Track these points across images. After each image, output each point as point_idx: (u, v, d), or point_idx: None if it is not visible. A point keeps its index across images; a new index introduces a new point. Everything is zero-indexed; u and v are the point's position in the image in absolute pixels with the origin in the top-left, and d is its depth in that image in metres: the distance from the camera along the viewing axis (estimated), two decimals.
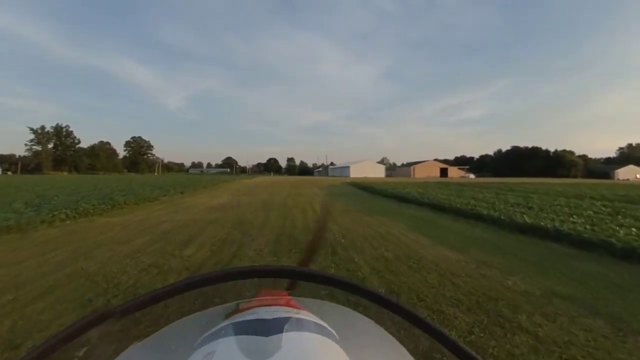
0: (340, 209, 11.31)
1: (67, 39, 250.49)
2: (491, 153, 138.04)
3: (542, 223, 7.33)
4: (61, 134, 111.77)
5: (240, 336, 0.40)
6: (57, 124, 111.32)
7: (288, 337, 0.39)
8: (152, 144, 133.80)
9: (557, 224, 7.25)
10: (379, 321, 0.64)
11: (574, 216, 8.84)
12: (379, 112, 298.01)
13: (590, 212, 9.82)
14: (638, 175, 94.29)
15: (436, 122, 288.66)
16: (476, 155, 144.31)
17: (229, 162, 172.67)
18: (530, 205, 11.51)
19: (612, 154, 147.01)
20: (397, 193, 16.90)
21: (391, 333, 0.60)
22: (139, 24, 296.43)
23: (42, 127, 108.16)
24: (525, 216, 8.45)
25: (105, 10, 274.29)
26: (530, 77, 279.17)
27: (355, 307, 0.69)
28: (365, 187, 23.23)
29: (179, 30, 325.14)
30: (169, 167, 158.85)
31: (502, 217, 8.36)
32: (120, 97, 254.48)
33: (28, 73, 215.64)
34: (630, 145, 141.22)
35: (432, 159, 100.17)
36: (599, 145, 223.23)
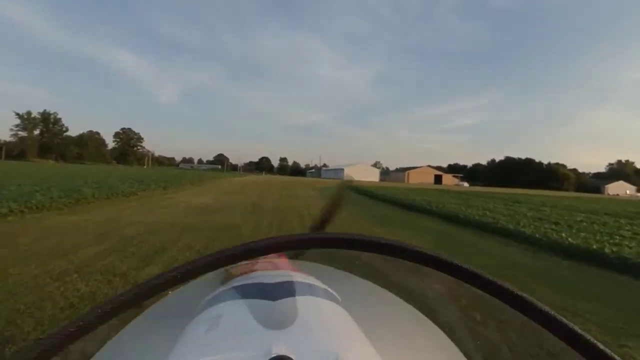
0: (344, 217, 9.93)
1: (59, 23, 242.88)
2: (483, 162, 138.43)
3: (594, 246, 6.06)
4: (48, 121, 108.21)
5: (248, 300, 0.36)
6: (45, 110, 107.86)
7: (299, 302, 0.36)
8: (142, 137, 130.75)
9: (614, 248, 5.98)
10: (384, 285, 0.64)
11: (616, 237, 7.62)
12: (372, 116, 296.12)
13: (626, 233, 8.63)
14: (628, 191, 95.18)
15: (429, 129, 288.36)
16: (468, 164, 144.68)
17: (220, 159, 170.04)
18: (555, 220, 10.30)
19: (601, 169, 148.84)
20: (401, 200, 15.60)
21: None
22: (133, 13, 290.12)
23: (29, 113, 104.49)
24: (565, 235, 7.18)
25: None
26: (522, 90, 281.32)
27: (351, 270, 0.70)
28: (365, 192, 21.88)
29: (174, 22, 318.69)
30: (160, 161, 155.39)
31: (536, 235, 7.08)
32: (112, 88, 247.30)
33: (16, 56, 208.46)
34: (619, 161, 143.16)
35: (425, 165, 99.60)
36: (587, 160, 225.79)
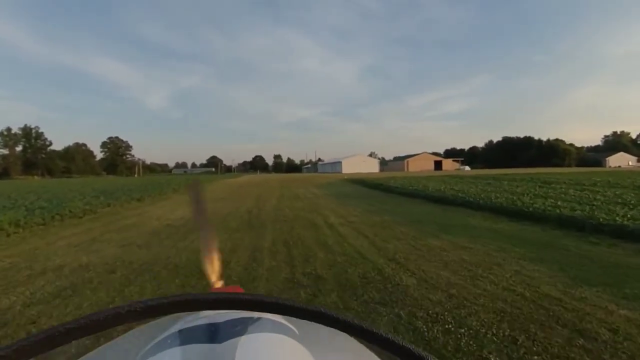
0: (370, 220, 7.28)
1: (38, 35, 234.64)
2: (479, 145, 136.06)
3: None
4: (30, 136, 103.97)
5: (188, 346, 0.34)
6: (26, 125, 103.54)
7: (244, 341, 0.34)
8: (130, 144, 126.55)
9: None
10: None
11: None
12: (362, 108, 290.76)
13: None
14: (630, 162, 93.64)
15: (421, 117, 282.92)
16: (463, 148, 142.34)
17: (213, 162, 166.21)
18: None
19: (595, 142, 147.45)
20: (424, 192, 12.99)
21: None
22: (116, 21, 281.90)
23: (9, 129, 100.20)
24: None
25: (80, 6, 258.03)
26: (510, 72, 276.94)
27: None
28: (375, 185, 19.21)
29: (158, 27, 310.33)
30: (151, 169, 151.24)
31: None
32: (99, 97, 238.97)
33: None
34: (615, 133, 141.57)
35: (421, 152, 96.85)
36: (579, 135, 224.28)
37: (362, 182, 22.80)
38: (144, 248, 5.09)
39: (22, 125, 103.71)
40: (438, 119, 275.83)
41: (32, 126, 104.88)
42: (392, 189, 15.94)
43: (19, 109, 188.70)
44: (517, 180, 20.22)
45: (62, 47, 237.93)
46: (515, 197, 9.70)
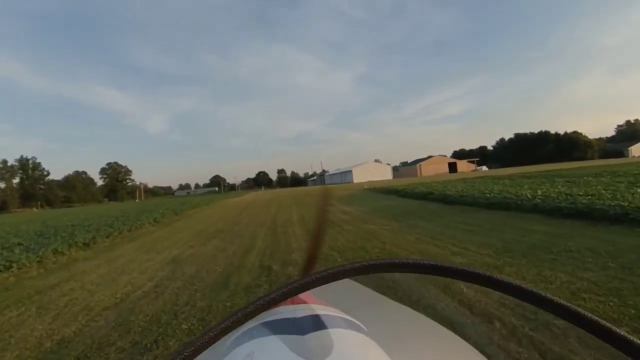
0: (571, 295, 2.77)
1: (33, 68, 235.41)
2: (486, 144, 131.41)
3: None
4: (27, 167, 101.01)
5: (276, 335, 0.36)
6: (22, 156, 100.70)
7: (323, 335, 0.36)
8: (130, 169, 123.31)
9: None
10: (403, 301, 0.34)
11: None
12: (362, 117, 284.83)
13: None
14: None
15: (421, 121, 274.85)
16: (471, 148, 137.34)
17: (216, 181, 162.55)
18: None
19: (605, 133, 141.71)
20: (529, 201, 8.46)
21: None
22: (111, 49, 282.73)
23: (4, 161, 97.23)
24: None
25: (74, 38, 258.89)
26: (507, 69, 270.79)
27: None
28: (420, 195, 14.47)
29: (154, 53, 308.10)
30: (154, 192, 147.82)
31: None
32: (98, 126, 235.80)
33: None
34: (629, 122, 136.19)
35: (426, 156, 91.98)
36: (588, 127, 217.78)
37: (395, 192, 18.25)
38: None
39: (17, 157, 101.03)
40: (439, 121, 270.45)
41: (29, 157, 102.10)
42: (456, 199, 11.37)
43: (16, 143, 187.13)
44: (615, 175, 15.06)
45: (59, 78, 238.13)
46: None
